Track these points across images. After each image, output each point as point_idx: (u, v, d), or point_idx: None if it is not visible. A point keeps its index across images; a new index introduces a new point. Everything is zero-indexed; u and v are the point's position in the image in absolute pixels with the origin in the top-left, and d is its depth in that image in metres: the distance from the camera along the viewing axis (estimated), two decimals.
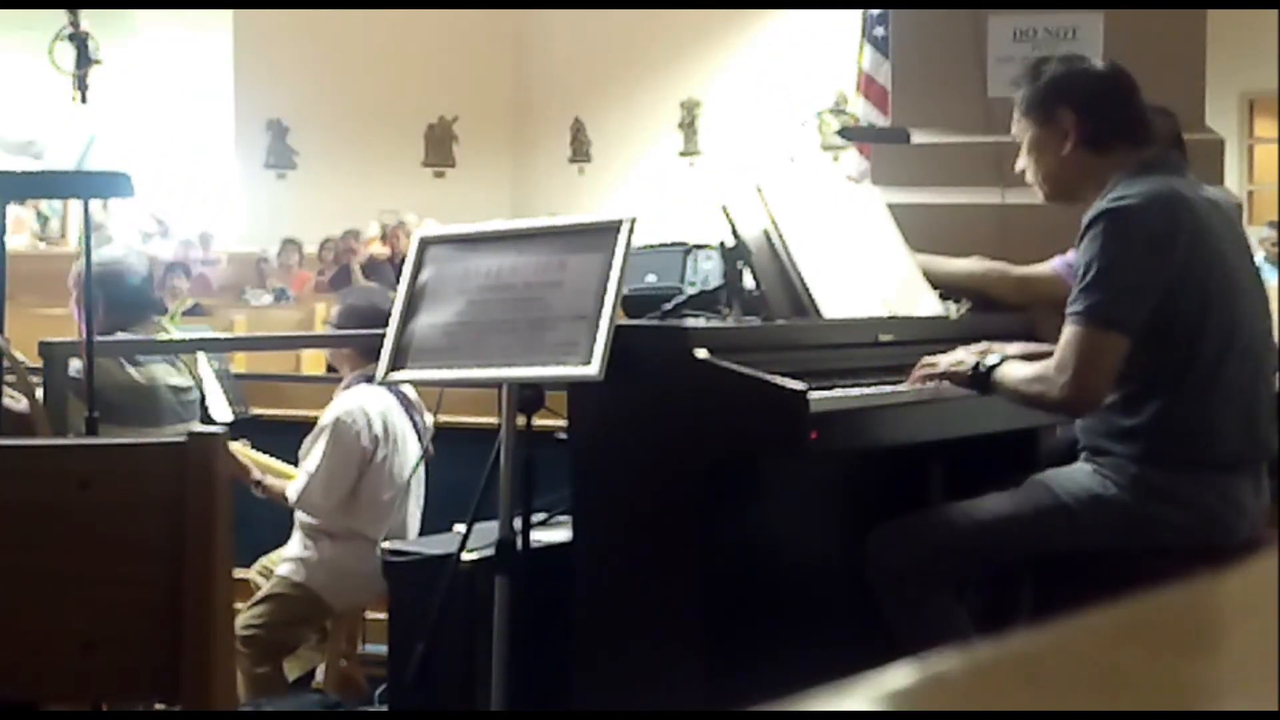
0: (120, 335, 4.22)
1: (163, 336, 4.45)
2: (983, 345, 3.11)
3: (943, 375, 2.99)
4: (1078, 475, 2.98)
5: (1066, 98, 3.02)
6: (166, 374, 4.23)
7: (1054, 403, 2.88)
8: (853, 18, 7.48)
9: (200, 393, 4.36)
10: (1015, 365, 2.94)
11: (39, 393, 3.41)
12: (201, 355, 4.47)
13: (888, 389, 3.03)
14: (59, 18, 3.64)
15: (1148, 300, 2.81)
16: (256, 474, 4.26)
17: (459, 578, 3.06)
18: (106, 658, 1.64)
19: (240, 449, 4.29)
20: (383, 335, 3.10)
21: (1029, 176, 3.11)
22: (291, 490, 4.18)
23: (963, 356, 2.99)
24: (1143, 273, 2.82)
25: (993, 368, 2.92)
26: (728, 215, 3.22)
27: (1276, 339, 3.81)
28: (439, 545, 3.26)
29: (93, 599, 1.65)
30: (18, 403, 3.41)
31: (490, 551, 2.95)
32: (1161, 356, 2.84)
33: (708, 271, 3.56)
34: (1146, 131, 3.05)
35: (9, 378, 3.23)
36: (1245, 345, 2.92)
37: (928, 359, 3.04)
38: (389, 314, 4.42)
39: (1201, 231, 2.88)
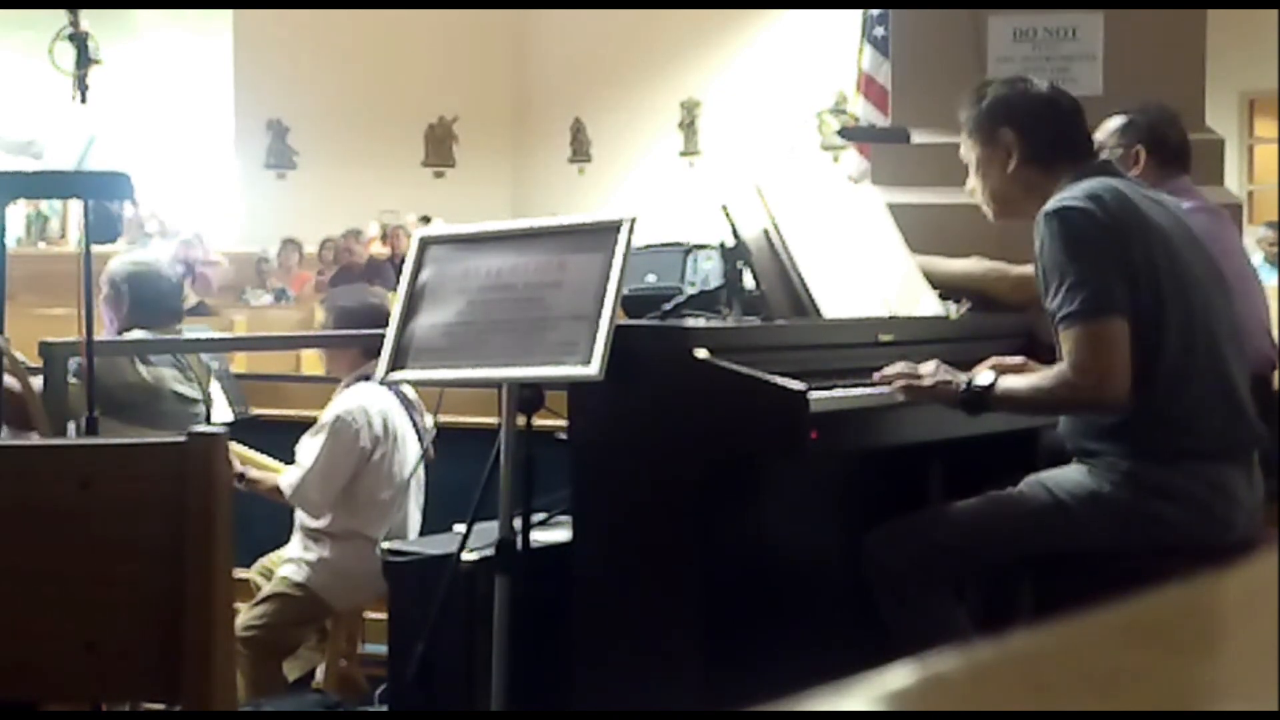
0: (136, 334, 4.23)
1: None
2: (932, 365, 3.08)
3: (928, 391, 2.97)
4: (1074, 474, 2.99)
5: (1007, 117, 3.10)
6: (174, 379, 4.24)
7: (1087, 402, 2.89)
8: (853, 18, 7.47)
9: (207, 407, 4.35)
10: (1016, 377, 2.94)
11: (37, 384, 3.42)
12: (206, 365, 4.47)
13: (888, 389, 3.03)
14: (59, 18, 3.63)
15: (1123, 281, 2.84)
16: (238, 466, 4.19)
17: (459, 578, 3.06)
18: (106, 658, 1.64)
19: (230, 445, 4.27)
20: (382, 335, 3.10)
21: (977, 196, 3.17)
22: (284, 482, 4.16)
23: (947, 374, 2.97)
24: (1108, 258, 2.86)
25: (989, 386, 2.91)
26: (728, 215, 3.22)
27: (1277, 337, 3.81)
28: (439, 545, 3.25)
29: (93, 599, 1.65)
30: (18, 384, 3.41)
31: (490, 551, 2.95)
32: (1132, 349, 2.85)
33: (708, 271, 3.56)
34: (1088, 149, 3.15)
35: (8, 371, 3.23)
36: (1207, 335, 2.95)
37: (905, 366, 3.01)
38: (382, 310, 4.43)
39: (1146, 223, 2.94)
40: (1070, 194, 2.93)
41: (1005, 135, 3.08)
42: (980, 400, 2.92)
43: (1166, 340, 2.89)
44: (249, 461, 4.33)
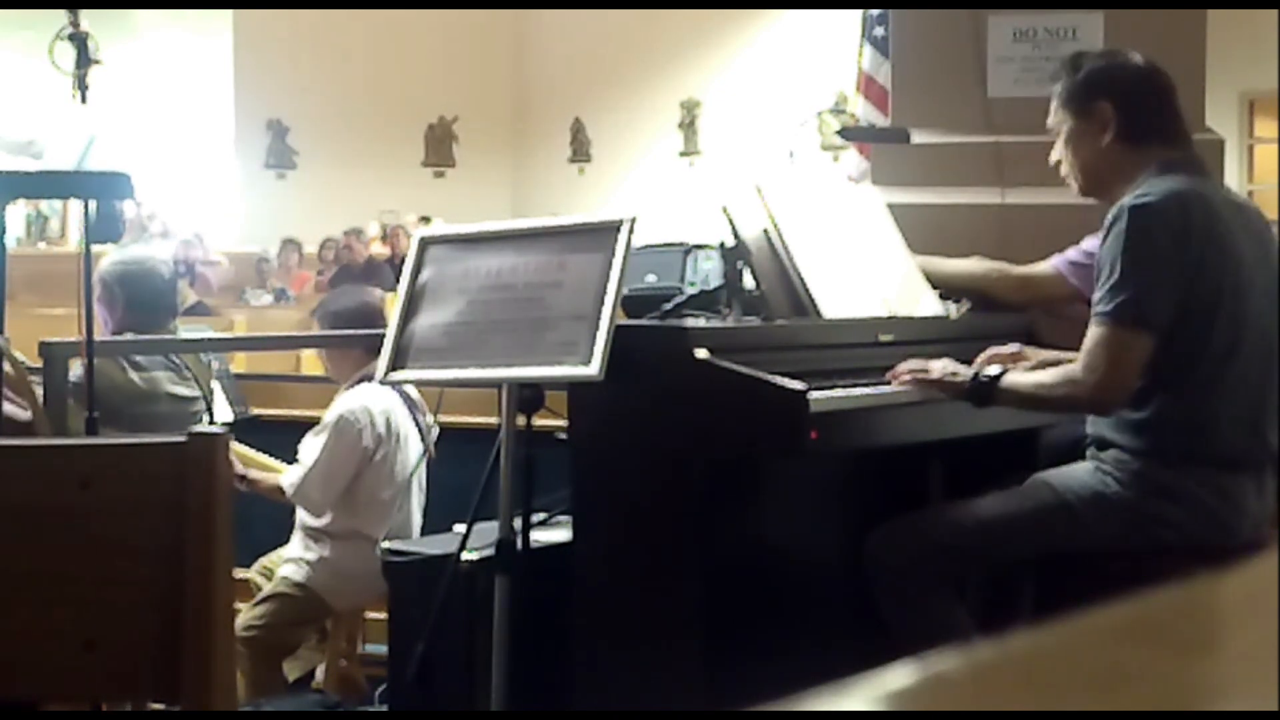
0: (129, 335, 4.20)
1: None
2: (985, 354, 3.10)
3: (935, 383, 2.98)
4: (1079, 473, 2.98)
5: (1106, 90, 3.03)
6: (169, 381, 4.20)
7: (1083, 404, 2.90)
8: (853, 18, 7.47)
9: (207, 403, 4.32)
10: (1021, 373, 2.95)
11: (39, 391, 3.41)
12: (205, 362, 4.44)
13: (888, 389, 3.03)
14: (59, 18, 3.63)
15: (1172, 296, 2.83)
16: (239, 468, 4.18)
17: (459, 578, 3.06)
18: (106, 658, 1.64)
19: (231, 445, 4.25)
20: (382, 335, 3.10)
21: (1064, 169, 3.12)
22: (286, 481, 4.16)
23: (956, 367, 2.99)
24: (1166, 269, 2.83)
25: (995, 378, 2.91)
26: (728, 215, 3.22)
27: None
28: (439, 545, 3.26)
29: (93, 599, 1.65)
30: (22, 411, 3.40)
31: (490, 551, 2.95)
32: (1169, 351, 2.84)
33: (708, 271, 3.56)
34: (1180, 130, 3.07)
35: (9, 371, 3.22)
36: (1254, 345, 2.93)
37: (915, 363, 3.03)
38: (374, 307, 4.42)
39: (1218, 230, 2.90)
40: (1155, 190, 2.88)
41: (1102, 108, 3.02)
42: (987, 392, 2.92)
43: (1211, 348, 2.88)
44: (250, 462, 4.32)
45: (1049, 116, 3.13)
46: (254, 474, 4.26)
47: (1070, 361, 2.92)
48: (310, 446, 4.15)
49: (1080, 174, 3.09)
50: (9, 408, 3.23)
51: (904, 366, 3.03)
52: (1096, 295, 2.86)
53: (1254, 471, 2.96)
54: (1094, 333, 2.83)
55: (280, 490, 4.19)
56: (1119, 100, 3.02)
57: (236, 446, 4.32)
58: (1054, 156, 3.13)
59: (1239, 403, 2.91)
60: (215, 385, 4.46)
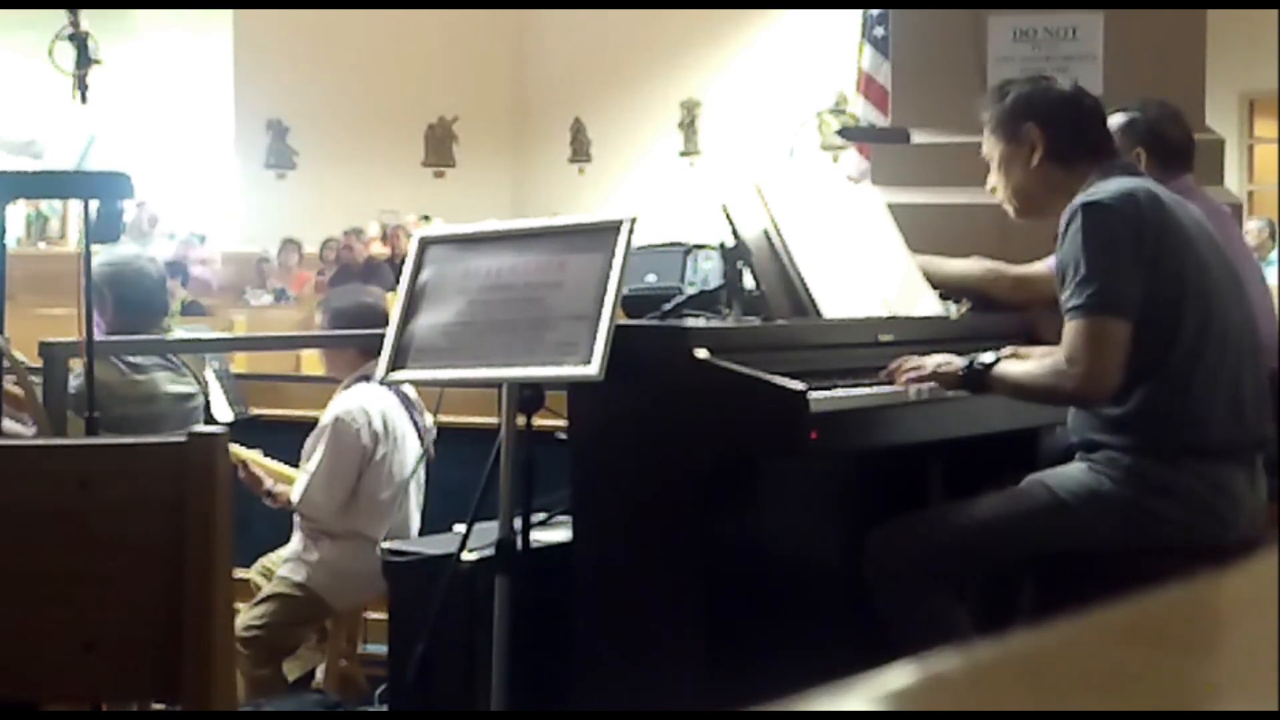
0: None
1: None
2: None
3: (931, 377, 3.00)
4: (1074, 473, 2.99)
5: (1031, 113, 3.10)
6: (168, 380, 4.19)
7: (1069, 396, 2.92)
8: (853, 18, 7.48)
9: (205, 398, 4.32)
10: (1014, 362, 2.96)
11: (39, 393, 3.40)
12: (201, 359, 4.44)
13: (888, 389, 3.03)
14: (59, 18, 3.62)
15: (1137, 285, 2.85)
16: (268, 484, 4.24)
17: (459, 578, 3.06)
18: (106, 658, 1.64)
19: (253, 457, 4.27)
20: (382, 335, 3.10)
21: (999, 194, 3.17)
22: (294, 493, 4.17)
23: (950, 357, 3.01)
24: (1128, 259, 2.86)
25: (989, 365, 2.93)
26: (728, 215, 3.22)
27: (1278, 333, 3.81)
28: (439, 545, 3.26)
29: (93, 599, 1.65)
30: (25, 428, 3.39)
31: (490, 551, 2.95)
32: (1143, 345, 2.86)
33: (708, 271, 3.56)
34: (1110, 148, 3.14)
35: (10, 388, 3.21)
36: (1222, 335, 2.95)
37: (910, 360, 3.04)
38: (375, 308, 4.42)
39: (1172, 223, 2.94)
40: (1103, 189, 2.93)
41: (1029, 131, 3.08)
42: (980, 379, 2.94)
43: (1180, 339, 2.90)
44: (278, 476, 4.31)
45: (982, 146, 3.17)
46: (280, 489, 4.25)
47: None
48: (313, 455, 4.15)
49: (1014, 196, 3.16)
50: (11, 425, 3.23)
51: (895, 364, 3.04)
52: (1065, 294, 2.88)
53: (1244, 462, 2.97)
54: (1070, 327, 2.86)
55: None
56: (1044, 121, 3.09)
57: (265, 461, 4.32)
58: (989, 183, 3.18)
59: (1218, 393, 2.93)
60: (215, 385, 4.46)
